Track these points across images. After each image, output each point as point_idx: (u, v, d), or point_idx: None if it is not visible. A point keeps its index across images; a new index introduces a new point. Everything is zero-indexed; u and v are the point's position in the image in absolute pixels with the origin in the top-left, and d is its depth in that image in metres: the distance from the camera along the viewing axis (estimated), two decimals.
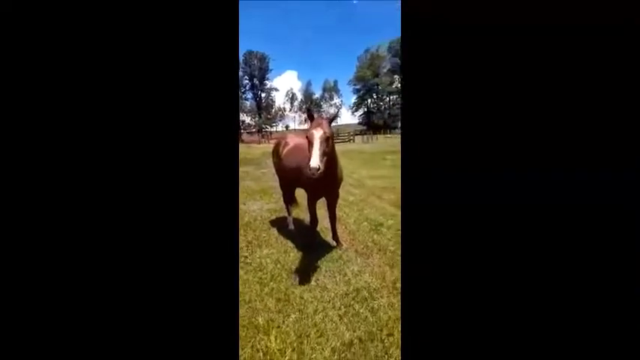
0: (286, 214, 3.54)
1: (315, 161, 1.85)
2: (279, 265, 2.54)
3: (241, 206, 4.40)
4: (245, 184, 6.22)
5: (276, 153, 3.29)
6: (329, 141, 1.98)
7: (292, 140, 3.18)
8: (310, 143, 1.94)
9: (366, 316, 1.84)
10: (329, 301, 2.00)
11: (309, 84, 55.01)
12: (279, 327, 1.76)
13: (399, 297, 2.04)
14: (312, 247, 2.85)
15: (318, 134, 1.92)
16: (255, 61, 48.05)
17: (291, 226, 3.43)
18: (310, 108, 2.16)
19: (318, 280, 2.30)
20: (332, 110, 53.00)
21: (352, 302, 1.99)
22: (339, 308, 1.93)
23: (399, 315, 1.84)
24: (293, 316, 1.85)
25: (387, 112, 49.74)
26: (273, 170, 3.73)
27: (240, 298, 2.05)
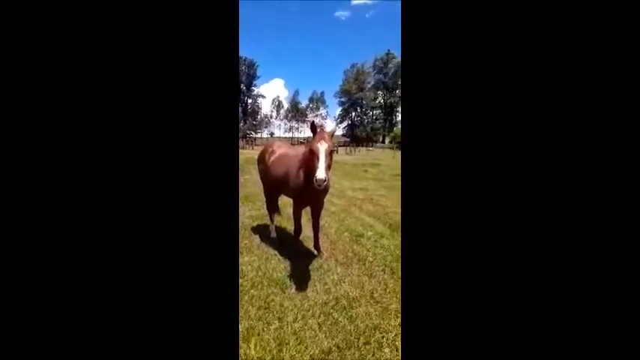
0: (269, 222, 3.55)
1: (322, 173, 1.95)
2: (260, 273, 2.55)
3: None
4: None
5: (262, 160, 3.33)
6: (332, 154, 2.12)
7: (279, 148, 3.23)
8: (317, 156, 2.02)
9: (344, 325, 1.90)
10: (309, 310, 2.04)
11: (296, 93, 55.58)
12: (259, 334, 1.77)
13: (376, 306, 2.12)
14: (294, 255, 2.87)
15: (323, 147, 2.02)
16: (243, 67, 48.03)
17: (274, 234, 3.45)
18: (314, 121, 2.27)
19: (298, 288, 2.33)
20: (317, 120, 53.41)
21: (331, 311, 2.04)
22: (319, 316, 1.97)
23: (376, 323, 1.91)
24: (273, 324, 1.87)
25: (370, 125, 51.17)
26: (257, 177, 3.75)
27: None
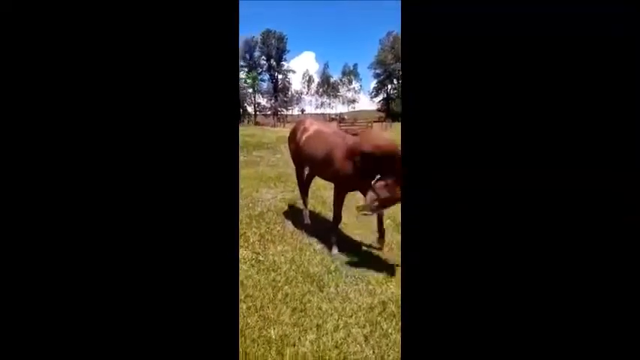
0: (302, 206, 3.27)
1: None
2: (294, 266, 2.30)
3: (254, 194, 4.18)
4: (259, 169, 5.98)
5: (293, 139, 2.98)
6: None
7: (312, 126, 2.86)
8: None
9: (395, 339, 1.58)
10: (352, 316, 1.75)
11: (326, 66, 53.62)
12: (294, 345, 1.52)
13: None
14: (332, 245, 2.58)
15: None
16: (273, 41, 46.93)
17: (307, 220, 3.18)
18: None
19: (338, 287, 2.05)
20: (350, 94, 51.76)
21: (379, 319, 1.73)
22: (364, 326, 1.67)
23: None
24: (310, 332, 1.61)
25: None
26: (289, 157, 3.44)
27: (251, 303, 1.83)
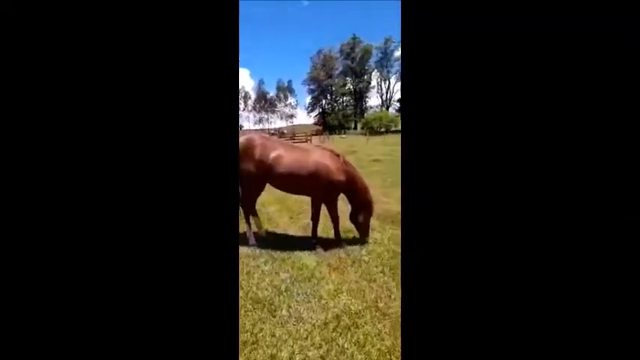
0: (246, 228, 3.10)
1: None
2: (242, 293, 2.13)
3: None
4: None
5: (249, 158, 2.82)
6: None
7: (277, 145, 2.96)
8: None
9: (353, 353, 1.56)
10: (306, 337, 1.67)
11: (261, 82, 53.54)
12: None
13: (385, 321, 1.81)
14: (279, 264, 2.47)
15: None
16: None
17: (253, 241, 3.01)
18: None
19: (290, 308, 1.96)
20: (287, 110, 52.44)
21: (334, 335, 1.69)
22: (320, 346, 1.61)
23: (389, 345, 1.60)
24: None
25: (341, 112, 50.85)
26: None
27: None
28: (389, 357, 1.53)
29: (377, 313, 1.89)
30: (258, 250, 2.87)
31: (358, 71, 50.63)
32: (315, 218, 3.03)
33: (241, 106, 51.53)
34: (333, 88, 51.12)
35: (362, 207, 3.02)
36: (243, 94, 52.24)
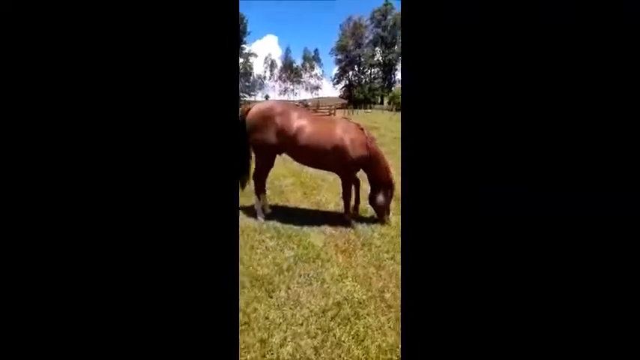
0: (254, 201, 2.99)
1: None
2: (241, 268, 2.04)
3: None
4: None
5: (269, 126, 2.65)
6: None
7: (301, 114, 2.76)
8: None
9: (350, 347, 1.42)
10: (302, 324, 1.55)
11: (288, 50, 51.82)
12: None
13: (389, 314, 1.64)
14: (287, 241, 2.35)
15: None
16: None
17: (261, 214, 2.91)
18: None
19: (289, 290, 1.84)
20: (313, 81, 51.06)
21: (331, 324, 1.56)
22: (315, 335, 1.48)
23: (392, 343, 1.44)
24: (251, 350, 1.38)
25: (368, 85, 48.52)
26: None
27: None
28: (389, 356, 1.37)
29: (382, 305, 1.73)
30: (265, 224, 2.76)
31: (389, 40, 47.22)
32: (346, 195, 2.85)
33: (267, 74, 50.62)
34: (362, 59, 48.54)
35: (382, 187, 2.79)
36: (270, 63, 51.05)
